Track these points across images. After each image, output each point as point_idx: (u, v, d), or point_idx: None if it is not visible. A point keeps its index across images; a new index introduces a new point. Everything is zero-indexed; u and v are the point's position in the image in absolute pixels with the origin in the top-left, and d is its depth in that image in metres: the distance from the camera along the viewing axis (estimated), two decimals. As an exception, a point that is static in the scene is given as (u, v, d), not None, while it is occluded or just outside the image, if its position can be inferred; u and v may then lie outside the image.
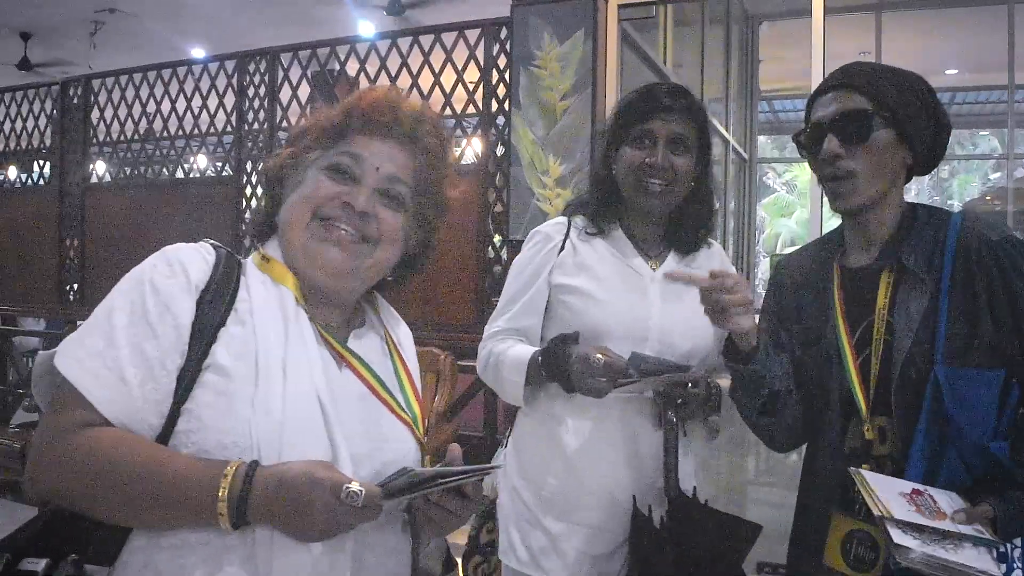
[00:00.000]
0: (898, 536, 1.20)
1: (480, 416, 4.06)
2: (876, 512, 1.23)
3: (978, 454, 1.31)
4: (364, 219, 1.13)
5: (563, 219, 1.83)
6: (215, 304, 1.07)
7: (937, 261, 1.39)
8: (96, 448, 0.98)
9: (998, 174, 16.95)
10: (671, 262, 1.78)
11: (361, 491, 0.97)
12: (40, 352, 1.04)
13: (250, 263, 1.16)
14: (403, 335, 1.31)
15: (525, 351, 1.71)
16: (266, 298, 1.10)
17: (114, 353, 1.01)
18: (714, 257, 1.84)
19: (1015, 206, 9.23)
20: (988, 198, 14.95)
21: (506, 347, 1.75)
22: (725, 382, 1.70)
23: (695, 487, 1.72)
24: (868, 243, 1.48)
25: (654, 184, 1.70)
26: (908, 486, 1.29)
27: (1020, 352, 1.33)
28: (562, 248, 1.78)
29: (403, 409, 1.19)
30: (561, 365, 1.62)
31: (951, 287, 1.36)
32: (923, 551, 1.19)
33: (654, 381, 1.60)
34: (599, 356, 1.56)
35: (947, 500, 1.28)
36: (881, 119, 1.41)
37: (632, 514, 1.66)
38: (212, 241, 1.16)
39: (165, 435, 1.02)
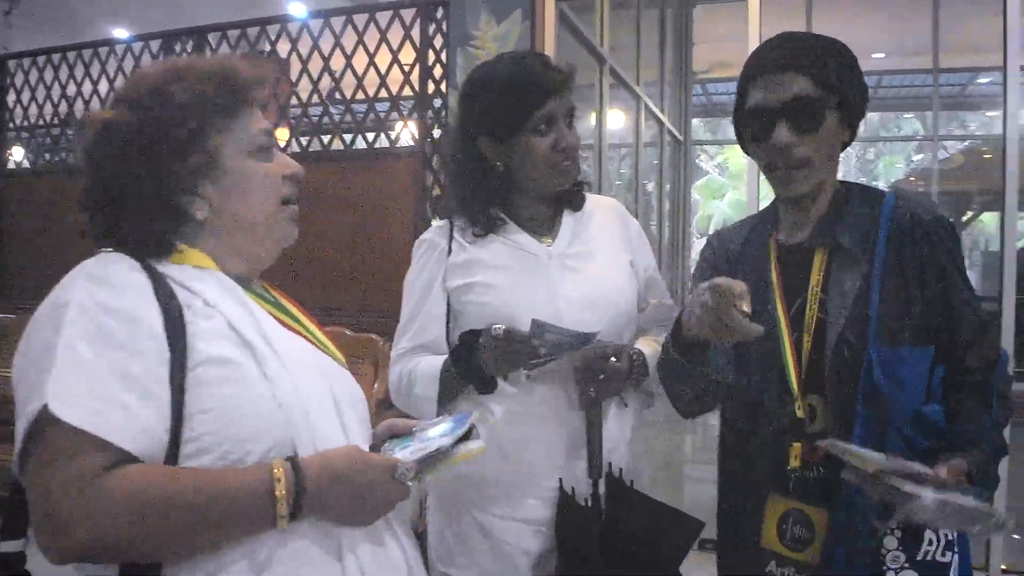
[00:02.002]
0: (910, 486, 1.16)
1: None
2: (871, 469, 1.19)
3: (915, 424, 1.32)
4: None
5: (444, 222, 1.76)
6: (169, 305, 1.03)
7: (871, 240, 1.39)
8: (133, 488, 0.93)
9: (920, 155, 17.52)
10: (565, 232, 1.73)
11: (413, 467, 1.05)
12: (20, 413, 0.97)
13: (165, 264, 1.09)
14: None
15: (435, 363, 1.65)
16: (206, 284, 1.08)
17: (101, 386, 0.95)
18: (600, 210, 1.79)
19: (939, 187, 9.55)
20: (912, 179, 15.43)
21: (414, 365, 1.68)
22: (647, 348, 1.67)
23: (621, 469, 1.65)
24: (804, 221, 1.48)
25: (567, 165, 1.65)
26: (878, 453, 1.25)
27: (947, 332, 1.35)
28: (449, 251, 1.71)
29: (327, 347, 1.23)
30: (471, 358, 1.56)
31: (884, 267, 1.37)
32: (934, 496, 1.15)
33: (571, 356, 1.55)
34: (499, 326, 1.51)
35: (917, 463, 1.25)
36: (830, 104, 1.39)
37: (559, 495, 1.61)
38: (108, 248, 1.10)
39: (172, 448, 0.99)
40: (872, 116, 16.99)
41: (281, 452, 1.02)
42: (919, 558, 1.27)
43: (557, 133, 1.63)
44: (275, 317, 1.15)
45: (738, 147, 1.55)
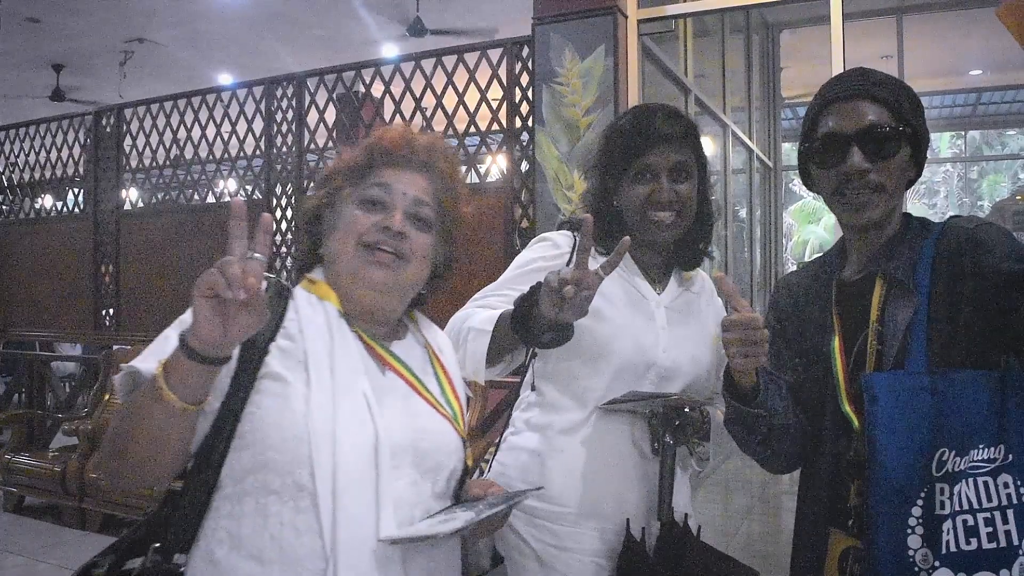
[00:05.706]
0: None
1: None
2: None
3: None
4: (400, 239, 1.27)
5: (569, 235, 1.75)
6: (270, 324, 1.18)
7: (920, 267, 1.37)
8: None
9: (1028, 173, 16.75)
10: (673, 286, 1.76)
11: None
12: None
13: (298, 289, 1.30)
14: (442, 342, 1.45)
15: (498, 312, 1.60)
16: (312, 313, 1.25)
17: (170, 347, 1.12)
18: (701, 277, 1.83)
19: (1046, 205, 9.10)
20: (1018, 197, 14.73)
21: (480, 308, 1.68)
22: (715, 411, 1.67)
23: (687, 515, 1.66)
24: (870, 255, 1.46)
25: (662, 217, 1.66)
26: None
27: (1012, 335, 1.28)
28: (569, 260, 1.69)
29: (442, 406, 1.33)
30: (529, 300, 1.47)
31: (931, 291, 1.34)
32: None
33: (652, 402, 1.59)
34: (554, 273, 1.40)
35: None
36: (904, 135, 1.38)
37: (624, 537, 1.61)
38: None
39: (226, 437, 1.16)
40: (974, 134, 16.34)
41: (300, 470, 1.15)
42: (944, 552, 1.23)
43: (655, 185, 1.65)
44: (378, 355, 1.29)
45: None
